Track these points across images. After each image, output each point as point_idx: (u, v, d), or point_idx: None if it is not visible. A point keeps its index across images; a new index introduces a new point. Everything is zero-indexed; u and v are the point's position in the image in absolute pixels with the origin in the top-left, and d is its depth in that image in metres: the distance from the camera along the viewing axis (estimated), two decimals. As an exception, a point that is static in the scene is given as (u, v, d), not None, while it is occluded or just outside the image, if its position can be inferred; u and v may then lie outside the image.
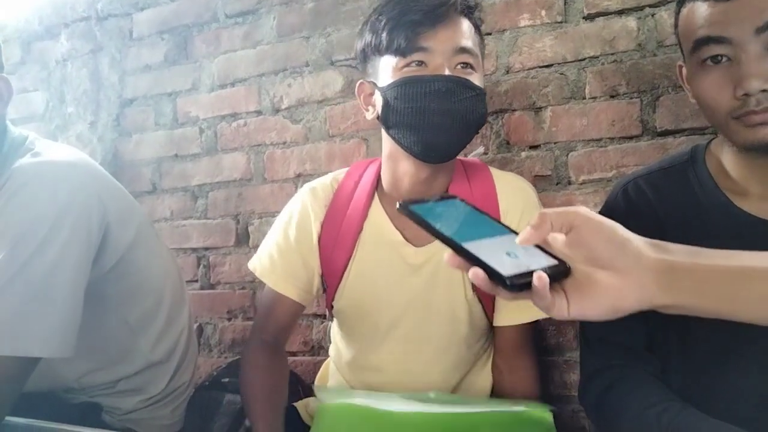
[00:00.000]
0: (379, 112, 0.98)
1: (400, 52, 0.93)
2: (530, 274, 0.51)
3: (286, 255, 1.07)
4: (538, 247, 0.56)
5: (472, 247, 0.54)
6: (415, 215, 0.58)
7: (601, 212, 0.93)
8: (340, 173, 1.12)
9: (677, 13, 0.83)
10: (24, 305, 0.84)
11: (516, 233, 0.56)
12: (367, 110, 1.02)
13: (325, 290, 1.09)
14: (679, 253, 0.54)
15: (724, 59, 0.75)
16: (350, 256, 1.04)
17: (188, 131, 1.65)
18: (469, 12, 0.98)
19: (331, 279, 1.06)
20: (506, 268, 0.52)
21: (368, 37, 0.98)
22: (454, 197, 0.64)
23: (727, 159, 0.85)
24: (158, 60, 1.69)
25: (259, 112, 1.56)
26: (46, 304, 0.85)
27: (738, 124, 0.75)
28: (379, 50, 0.96)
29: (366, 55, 1.00)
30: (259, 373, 1.04)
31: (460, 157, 1.05)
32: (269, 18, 1.55)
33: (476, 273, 0.52)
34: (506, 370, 1.06)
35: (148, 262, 1.07)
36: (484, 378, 1.08)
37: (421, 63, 0.93)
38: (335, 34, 1.46)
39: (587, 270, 0.54)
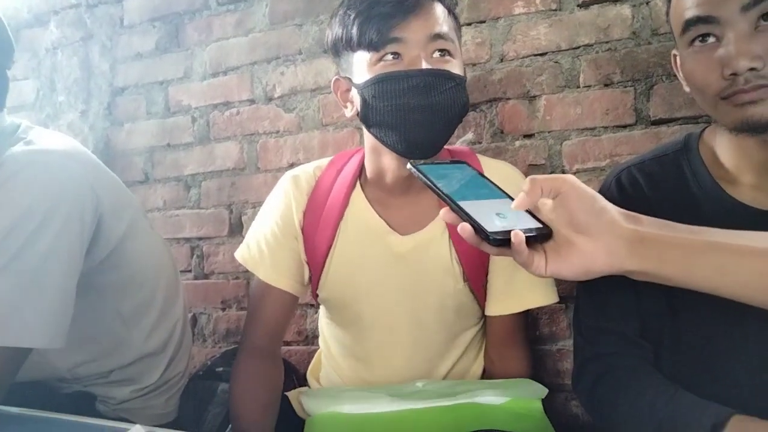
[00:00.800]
0: (359, 109, 0.95)
1: (372, 47, 0.90)
2: (511, 232, 0.58)
3: (273, 245, 1.05)
4: (528, 211, 0.62)
5: (466, 205, 0.61)
6: (421, 173, 0.65)
7: None
8: (323, 162, 1.10)
9: (669, 10, 0.82)
10: (15, 295, 0.83)
11: (512, 198, 0.62)
12: (345, 107, 1.00)
13: (311, 279, 1.08)
14: (649, 224, 0.60)
15: (712, 39, 0.75)
16: (331, 245, 1.03)
17: (180, 120, 1.64)
18: None
19: (314, 267, 1.05)
20: (492, 225, 0.59)
21: (338, 31, 0.95)
22: (462, 162, 0.70)
23: (720, 147, 0.85)
24: (149, 48, 1.67)
25: (251, 101, 1.55)
26: (37, 295, 0.84)
27: (727, 105, 0.75)
28: (350, 45, 0.93)
29: (338, 50, 0.97)
30: (252, 388, 1.01)
31: (448, 146, 1.04)
32: (261, 5, 1.53)
33: (464, 227, 0.59)
34: (498, 360, 1.06)
35: (142, 252, 1.06)
36: (476, 368, 1.08)
37: (396, 55, 0.90)
38: (328, 21, 1.45)
39: (567, 233, 0.60)
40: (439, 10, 0.94)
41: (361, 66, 0.93)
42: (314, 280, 1.07)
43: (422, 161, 0.68)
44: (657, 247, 0.58)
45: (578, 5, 1.23)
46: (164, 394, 1.13)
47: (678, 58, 0.84)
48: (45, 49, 1.78)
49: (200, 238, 1.61)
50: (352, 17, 0.92)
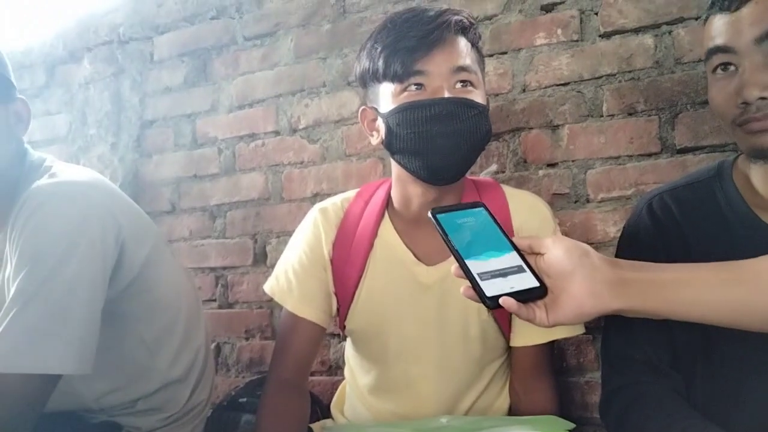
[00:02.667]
0: (383, 137, 0.98)
1: (397, 78, 0.94)
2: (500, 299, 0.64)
3: (302, 277, 1.06)
4: (529, 267, 0.67)
5: (472, 264, 0.66)
6: (438, 223, 0.70)
7: (625, 227, 0.96)
8: (350, 194, 1.12)
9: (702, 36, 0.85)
10: (43, 323, 0.85)
11: (519, 251, 0.68)
12: (372, 135, 1.03)
13: (338, 311, 1.08)
14: (628, 267, 0.67)
15: (732, 68, 0.79)
16: (361, 275, 1.03)
17: (207, 152, 1.67)
18: (464, 30, 0.97)
19: (343, 298, 1.05)
20: (491, 289, 0.64)
21: (366, 63, 0.98)
22: (480, 205, 0.74)
23: (753, 174, 0.85)
24: (178, 82, 1.72)
25: (276, 133, 1.58)
26: (64, 322, 0.86)
27: (741, 132, 0.79)
28: (377, 77, 0.97)
29: (365, 82, 1.01)
30: (279, 422, 1.00)
31: (472, 176, 1.05)
32: (287, 40, 1.57)
33: (467, 289, 0.66)
34: (523, 392, 1.05)
35: (164, 279, 1.08)
36: (501, 401, 1.07)
37: (419, 86, 0.93)
38: (352, 54, 1.48)
39: (559, 283, 0.66)
40: (462, 43, 0.96)
41: (387, 96, 0.96)
42: (342, 311, 1.07)
43: (442, 207, 0.73)
44: (637, 287, 0.64)
45: (600, 36, 1.24)
46: (189, 424, 1.13)
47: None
48: (78, 84, 1.84)
49: (225, 268, 1.62)
50: (378, 50, 0.96)
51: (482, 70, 1.01)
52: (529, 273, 0.67)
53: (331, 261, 1.06)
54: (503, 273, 0.66)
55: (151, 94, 1.76)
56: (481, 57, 1.01)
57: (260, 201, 1.59)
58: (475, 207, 0.74)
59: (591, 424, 1.21)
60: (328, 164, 1.50)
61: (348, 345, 1.16)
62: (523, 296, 0.65)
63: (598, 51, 1.23)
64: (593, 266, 0.65)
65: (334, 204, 1.10)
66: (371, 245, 1.04)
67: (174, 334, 1.09)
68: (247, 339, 1.58)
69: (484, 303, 0.64)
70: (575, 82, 1.25)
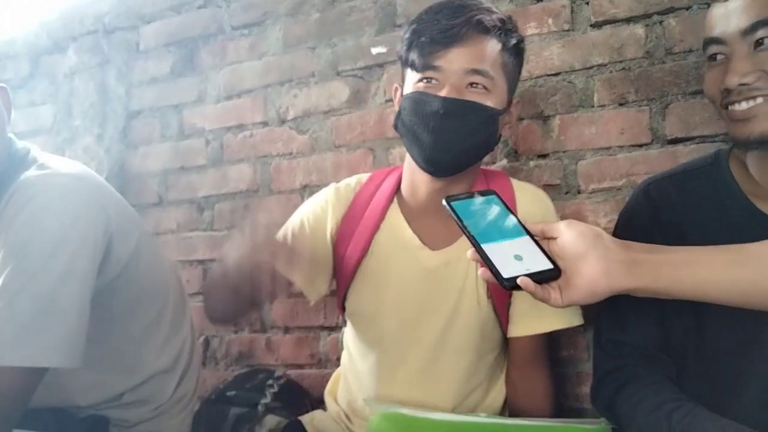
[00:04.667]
0: (396, 116, 1.02)
1: (415, 68, 0.97)
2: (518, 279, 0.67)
3: (297, 235, 1.06)
4: (542, 250, 0.69)
5: (488, 248, 0.69)
6: (452, 209, 0.73)
7: (622, 212, 0.98)
8: (364, 176, 1.14)
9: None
10: (32, 316, 0.84)
11: (532, 236, 0.71)
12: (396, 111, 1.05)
13: (338, 289, 1.09)
14: (639, 248, 0.70)
15: (721, 56, 0.83)
16: (363, 256, 1.05)
17: (194, 143, 1.65)
18: (490, 31, 0.95)
19: (343, 276, 1.07)
20: (508, 270, 0.67)
21: (400, 48, 1.02)
22: (492, 193, 0.77)
23: (750, 162, 0.87)
24: (164, 72, 1.69)
25: (265, 123, 1.56)
26: (54, 315, 0.86)
27: (728, 118, 0.83)
28: (404, 62, 1.01)
29: (401, 63, 1.04)
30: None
31: (484, 167, 1.07)
32: (275, 29, 1.55)
33: (484, 271, 0.69)
34: (519, 382, 1.05)
35: (150, 271, 1.07)
36: (496, 392, 1.07)
37: (433, 79, 0.95)
38: (341, 44, 1.46)
39: (572, 264, 0.68)
40: (486, 44, 0.95)
41: (409, 81, 1.00)
42: (341, 289, 1.08)
43: (455, 195, 0.75)
44: (649, 267, 0.68)
45: (591, 25, 1.23)
46: (177, 416, 1.13)
47: None
48: (63, 74, 1.82)
49: (213, 260, 1.60)
50: (407, 36, 0.99)
51: (513, 71, 1.00)
52: (542, 255, 0.69)
53: (336, 240, 1.07)
54: (518, 256, 0.68)
55: (137, 84, 1.73)
56: (514, 58, 0.99)
57: (249, 193, 1.57)
58: (488, 194, 0.76)
59: (582, 415, 1.21)
60: (317, 155, 1.49)
61: (347, 329, 1.16)
62: (538, 277, 0.67)
63: (589, 41, 1.23)
64: (606, 247, 0.68)
65: (348, 184, 1.13)
66: (377, 227, 1.05)
67: (160, 325, 1.09)
68: (235, 332, 1.57)
69: (502, 284, 0.67)
70: (566, 72, 1.24)
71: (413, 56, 0.96)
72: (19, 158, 0.99)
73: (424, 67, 0.95)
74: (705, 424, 0.73)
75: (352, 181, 1.13)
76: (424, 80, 0.96)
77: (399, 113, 1.00)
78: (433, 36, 0.94)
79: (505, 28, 0.97)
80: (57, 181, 0.93)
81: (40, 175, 0.93)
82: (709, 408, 0.76)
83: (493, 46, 0.96)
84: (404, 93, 1.00)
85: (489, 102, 0.96)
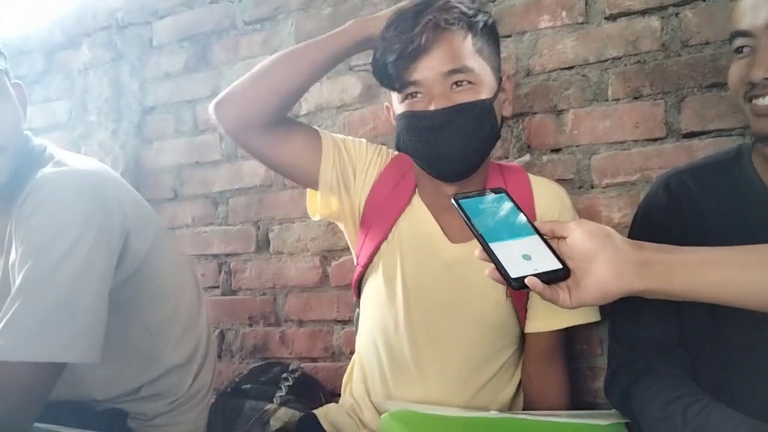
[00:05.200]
0: (395, 137, 1.01)
1: (394, 89, 0.97)
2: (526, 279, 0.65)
3: (348, 152, 1.08)
4: (552, 250, 0.68)
5: (496, 247, 0.68)
6: (460, 208, 0.72)
7: (640, 205, 0.97)
8: (386, 150, 1.12)
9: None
10: (50, 312, 0.85)
11: (541, 235, 0.69)
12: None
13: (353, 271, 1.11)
14: (652, 249, 0.68)
15: (747, 50, 0.82)
16: (384, 239, 1.05)
17: (208, 138, 1.66)
18: (456, 25, 0.93)
19: (362, 257, 1.08)
20: (515, 270, 0.66)
21: (373, 72, 0.99)
22: (502, 191, 0.75)
23: None
24: (178, 68, 1.70)
25: (278, 118, 1.56)
26: (72, 311, 0.86)
27: (750, 111, 0.82)
28: (382, 84, 0.99)
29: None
30: None
31: (500, 162, 1.07)
32: (287, 24, 1.55)
33: (492, 271, 0.68)
34: (536, 377, 1.06)
35: (166, 267, 1.08)
36: (510, 388, 1.06)
37: (416, 94, 0.95)
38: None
39: (582, 265, 0.67)
40: (453, 40, 0.93)
41: (395, 101, 1.00)
42: (359, 272, 1.09)
43: (464, 193, 0.74)
44: (662, 268, 0.65)
45: (605, 18, 1.22)
46: (193, 409, 1.14)
47: None
48: (77, 70, 1.83)
49: (228, 255, 1.62)
50: (377, 58, 0.96)
51: (492, 53, 0.98)
52: (551, 255, 0.68)
53: (366, 202, 1.07)
54: (526, 255, 0.67)
55: (151, 80, 1.74)
56: (487, 40, 0.97)
57: (262, 188, 1.58)
58: (497, 193, 0.75)
59: (596, 409, 1.21)
60: (330, 150, 1.49)
61: (361, 316, 1.15)
62: (547, 277, 0.66)
63: (603, 34, 1.22)
64: (616, 248, 0.66)
65: (383, 149, 1.12)
66: (402, 211, 1.05)
67: (177, 320, 1.10)
68: (250, 326, 1.59)
69: (509, 284, 0.66)
70: (580, 65, 1.23)
71: (388, 79, 0.95)
72: (36, 155, 1.00)
73: (402, 86, 0.94)
74: (721, 420, 0.73)
75: (384, 150, 1.12)
76: (408, 96, 0.95)
77: (398, 135, 0.99)
78: (399, 52, 0.91)
79: (468, 17, 0.94)
80: (73, 178, 0.94)
81: (56, 172, 0.94)
82: (726, 403, 0.76)
83: (459, 40, 0.93)
84: (395, 113, 1.00)
85: (479, 95, 0.94)
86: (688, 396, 0.78)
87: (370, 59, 1.38)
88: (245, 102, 1.00)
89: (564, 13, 1.25)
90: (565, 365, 1.07)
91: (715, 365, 0.85)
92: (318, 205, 1.10)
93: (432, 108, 0.92)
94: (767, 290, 0.64)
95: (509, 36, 1.29)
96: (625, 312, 0.92)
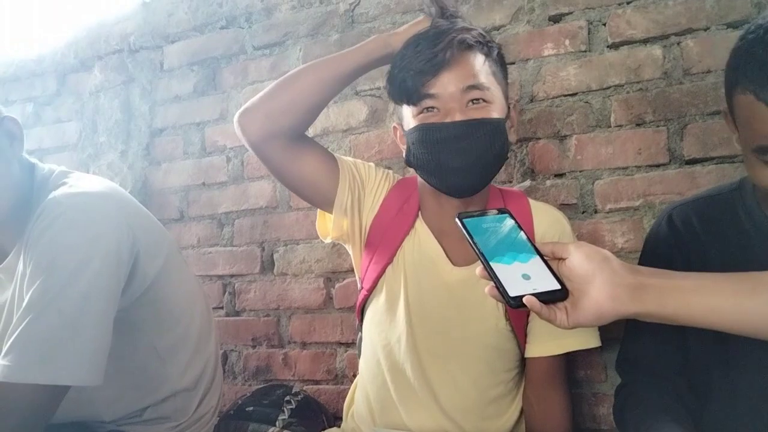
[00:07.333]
0: (405, 154, 1.04)
1: (411, 102, 0.98)
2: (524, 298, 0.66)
3: (360, 174, 1.10)
4: (551, 271, 0.69)
5: (497, 266, 0.69)
6: (464, 227, 0.73)
7: (646, 238, 0.99)
8: (391, 174, 1.15)
9: (730, 91, 0.78)
10: (55, 334, 0.85)
11: (542, 256, 0.70)
12: (403, 150, 1.07)
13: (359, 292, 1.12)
14: (648, 273, 0.69)
15: None
16: (389, 263, 1.06)
17: (216, 160, 1.68)
18: (472, 47, 0.97)
19: (368, 278, 1.08)
20: (514, 289, 0.67)
21: (387, 86, 1.02)
22: (506, 212, 0.77)
23: None
24: (188, 91, 1.73)
25: (284, 141, 1.58)
26: (76, 333, 0.86)
27: None
28: (397, 100, 1.01)
29: (393, 103, 1.06)
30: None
31: (501, 186, 1.09)
32: (295, 49, 1.58)
33: (490, 289, 0.69)
34: (536, 402, 1.05)
35: (177, 290, 1.08)
36: (512, 411, 1.06)
37: (432, 108, 0.97)
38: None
39: (579, 286, 0.68)
40: (473, 60, 0.97)
41: (407, 116, 1.01)
42: (362, 296, 1.10)
43: (468, 212, 0.75)
44: (656, 292, 0.66)
45: (608, 46, 1.24)
46: (197, 432, 1.13)
47: (729, 117, 0.82)
48: (89, 92, 1.86)
49: (232, 276, 1.63)
50: (394, 74, 0.99)
51: (503, 79, 1.03)
52: (550, 276, 0.69)
53: (372, 223, 1.09)
54: (526, 275, 0.68)
55: (161, 102, 1.77)
56: (500, 67, 1.02)
57: (268, 209, 1.59)
58: (501, 213, 0.77)
59: (599, 435, 1.20)
60: (336, 173, 1.50)
61: (364, 339, 1.15)
62: (545, 298, 0.67)
63: (606, 61, 1.23)
64: (613, 271, 0.67)
65: (390, 174, 1.14)
66: (406, 234, 1.07)
67: (186, 343, 1.10)
68: (253, 347, 1.59)
69: (508, 303, 0.67)
70: (583, 92, 1.25)
71: (407, 91, 0.97)
72: (44, 180, 1.01)
73: (419, 98, 0.96)
74: None
75: (391, 174, 1.14)
76: (425, 110, 0.97)
77: (409, 149, 1.01)
78: (420, 67, 0.94)
79: (485, 41, 1.00)
80: (82, 200, 0.94)
81: (66, 194, 0.95)
82: (738, 422, 0.77)
83: (480, 59, 0.98)
84: (406, 129, 1.02)
85: (492, 113, 0.97)
86: (654, 416, 0.82)
87: (376, 84, 1.41)
88: (270, 112, 1.01)
89: (567, 42, 1.27)
90: (566, 391, 1.07)
91: (724, 390, 0.85)
92: (329, 227, 1.11)
93: (448, 120, 0.95)
94: (759, 317, 0.65)
95: (513, 63, 1.31)
96: (629, 337, 0.94)
